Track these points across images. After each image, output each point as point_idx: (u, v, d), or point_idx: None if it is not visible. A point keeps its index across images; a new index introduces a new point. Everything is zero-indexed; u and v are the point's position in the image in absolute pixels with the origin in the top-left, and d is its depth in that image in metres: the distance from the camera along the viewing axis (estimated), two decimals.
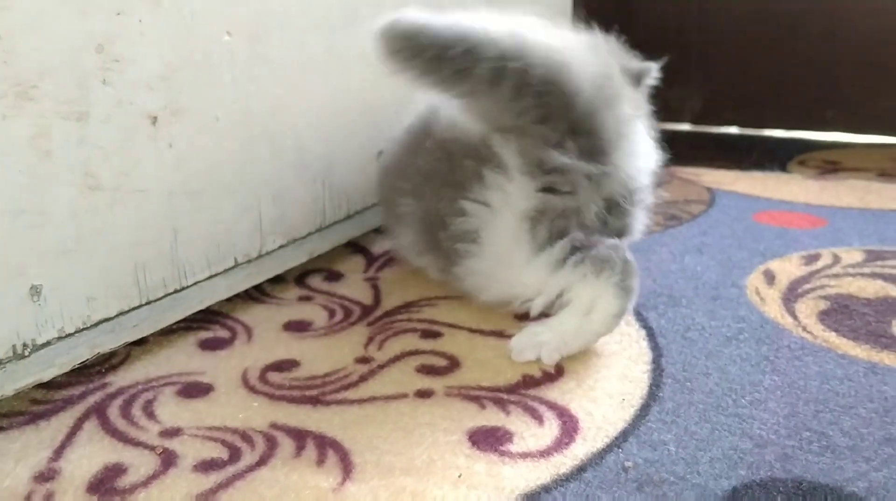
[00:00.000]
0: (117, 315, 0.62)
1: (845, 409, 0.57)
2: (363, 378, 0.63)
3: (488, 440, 0.54)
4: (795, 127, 1.64)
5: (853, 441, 0.53)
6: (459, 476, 0.50)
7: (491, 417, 0.57)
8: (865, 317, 0.71)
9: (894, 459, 0.51)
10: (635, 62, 0.85)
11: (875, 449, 0.52)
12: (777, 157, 1.41)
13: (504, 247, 0.67)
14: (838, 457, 0.51)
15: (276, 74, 0.73)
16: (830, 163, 1.37)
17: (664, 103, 1.73)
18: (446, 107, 0.70)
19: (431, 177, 0.70)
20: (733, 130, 1.69)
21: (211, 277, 0.70)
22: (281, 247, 0.78)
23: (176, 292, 0.67)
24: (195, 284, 0.69)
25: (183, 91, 0.65)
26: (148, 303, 0.65)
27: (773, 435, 0.54)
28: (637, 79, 0.82)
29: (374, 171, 0.88)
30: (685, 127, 1.72)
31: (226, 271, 0.72)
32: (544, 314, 0.68)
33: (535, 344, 0.65)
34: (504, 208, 0.67)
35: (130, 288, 0.63)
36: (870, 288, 0.77)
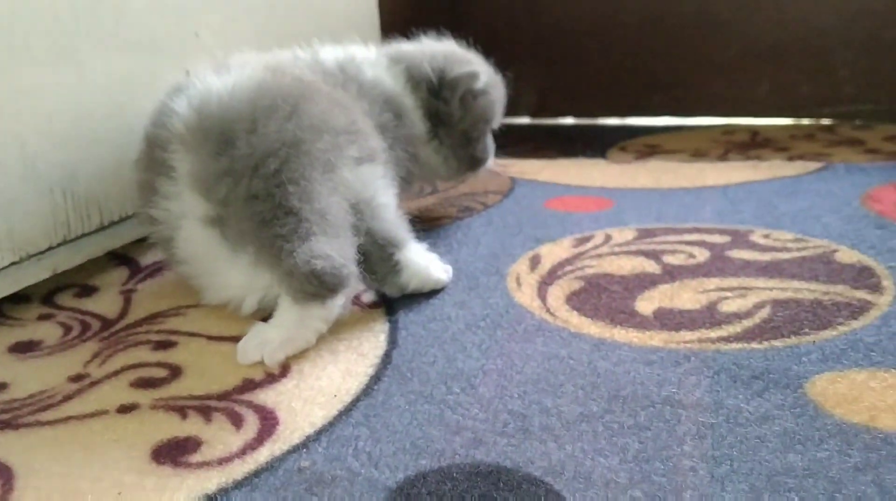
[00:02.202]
0: None
1: (554, 388, 0.56)
2: (67, 398, 0.59)
3: (172, 452, 0.51)
4: (626, 114, 1.66)
5: (549, 420, 0.52)
6: (119, 494, 0.47)
7: (188, 427, 0.54)
8: (613, 294, 0.71)
9: (584, 436, 0.50)
10: (456, 69, 0.84)
11: (567, 428, 0.51)
12: (600, 144, 1.42)
13: (200, 253, 0.67)
14: (528, 438, 0.50)
15: None
16: (650, 147, 1.39)
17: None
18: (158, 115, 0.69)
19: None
20: (569, 120, 1.70)
21: None
22: (13, 264, 0.72)
23: None
24: None
25: None
26: None
27: (469, 421, 0.52)
28: (451, 88, 0.83)
29: (131, 178, 0.84)
30: (524, 120, 1.73)
31: None
32: None
33: (259, 344, 0.62)
34: (186, 216, 0.66)
35: None
36: (628, 265, 0.77)
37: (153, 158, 0.67)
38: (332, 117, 0.67)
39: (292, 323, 0.63)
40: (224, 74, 0.68)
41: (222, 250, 0.64)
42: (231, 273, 0.65)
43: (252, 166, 0.62)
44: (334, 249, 0.60)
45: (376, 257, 0.68)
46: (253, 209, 0.61)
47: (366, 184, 0.68)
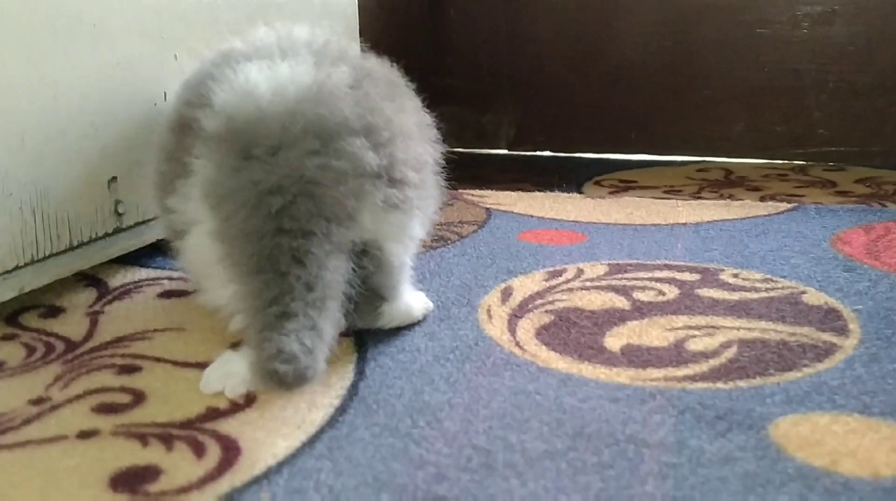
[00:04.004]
0: None
1: (519, 423, 0.56)
2: (27, 421, 0.58)
3: (130, 481, 0.50)
4: (603, 150, 1.68)
5: (513, 456, 0.52)
6: None
7: (148, 455, 0.53)
8: (582, 330, 0.71)
9: (547, 473, 0.50)
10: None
11: (531, 464, 0.51)
12: (577, 178, 1.43)
13: (205, 261, 0.65)
14: (491, 474, 0.50)
15: None
16: (625, 182, 1.41)
17: (480, 128, 1.75)
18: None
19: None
20: (546, 153, 1.72)
21: None
22: None
23: None
24: None
25: None
26: None
27: (433, 456, 0.52)
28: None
29: (103, 199, 0.84)
30: (501, 151, 1.74)
31: None
32: None
33: (224, 374, 0.62)
34: (196, 223, 0.65)
35: None
36: (598, 300, 0.78)
37: (177, 156, 0.64)
38: (366, 158, 0.61)
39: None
40: (273, 67, 0.64)
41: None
42: (228, 289, 0.63)
43: (256, 197, 0.58)
44: (304, 344, 0.55)
45: (363, 305, 0.66)
46: (243, 250, 0.58)
47: (385, 234, 0.64)
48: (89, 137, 0.81)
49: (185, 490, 0.49)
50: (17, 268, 0.75)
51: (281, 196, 0.58)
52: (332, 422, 0.57)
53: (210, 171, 0.62)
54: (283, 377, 0.54)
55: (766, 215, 1.08)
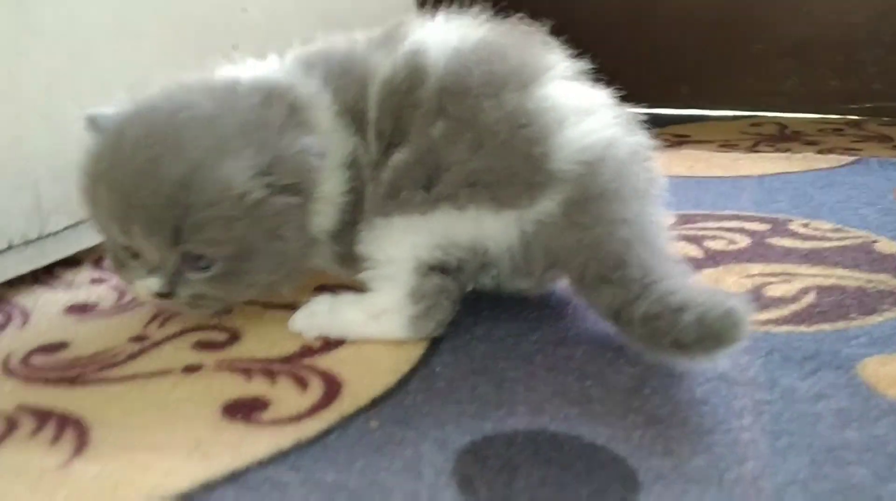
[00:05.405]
0: None
1: (610, 362, 0.57)
2: (132, 357, 0.60)
3: (242, 410, 0.52)
4: (654, 104, 1.66)
5: (608, 392, 0.54)
6: (196, 447, 0.48)
7: (254, 388, 0.55)
8: None
9: (643, 408, 0.52)
10: None
11: (627, 400, 0.53)
12: None
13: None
14: (588, 408, 0.52)
15: (51, 45, 0.70)
16: (679, 136, 1.40)
17: None
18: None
19: None
20: None
21: None
22: (67, 228, 0.74)
23: None
24: None
25: None
26: None
27: (529, 392, 0.54)
28: None
29: None
30: None
31: None
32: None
33: (308, 315, 0.63)
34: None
35: None
36: (670, 249, 0.78)
37: (500, 179, 0.61)
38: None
39: (345, 321, 0.62)
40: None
41: None
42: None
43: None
44: None
45: None
46: None
47: None
48: None
49: (296, 418, 0.51)
50: None
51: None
52: (425, 360, 0.59)
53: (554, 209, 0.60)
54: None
55: (828, 168, 1.07)
